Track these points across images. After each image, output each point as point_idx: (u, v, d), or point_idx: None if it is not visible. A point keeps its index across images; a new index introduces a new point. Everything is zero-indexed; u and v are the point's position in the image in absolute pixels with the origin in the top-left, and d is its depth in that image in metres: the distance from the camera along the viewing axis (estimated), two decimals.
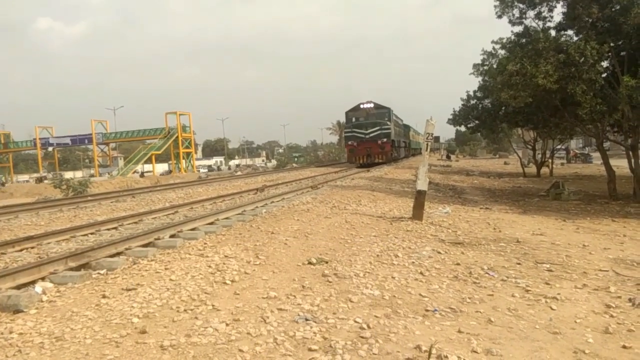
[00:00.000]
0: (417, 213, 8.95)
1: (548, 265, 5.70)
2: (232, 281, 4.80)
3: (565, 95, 11.86)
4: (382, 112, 31.83)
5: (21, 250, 6.73)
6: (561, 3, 12.81)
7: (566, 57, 11.21)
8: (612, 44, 11.63)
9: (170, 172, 56.45)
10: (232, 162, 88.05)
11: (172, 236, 7.02)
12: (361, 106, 32.20)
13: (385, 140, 30.43)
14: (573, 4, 11.82)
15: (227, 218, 8.66)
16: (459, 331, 3.68)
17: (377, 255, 6.03)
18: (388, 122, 31.19)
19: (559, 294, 4.60)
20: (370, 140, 30.46)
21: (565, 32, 12.99)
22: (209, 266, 5.28)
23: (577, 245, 6.90)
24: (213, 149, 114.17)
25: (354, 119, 32.60)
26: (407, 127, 47.18)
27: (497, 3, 13.59)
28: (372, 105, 31.98)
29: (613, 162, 14.16)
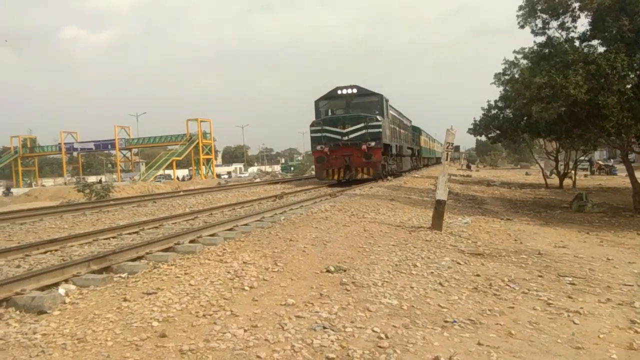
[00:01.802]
0: (437, 223, 8.88)
1: (571, 279, 5.60)
2: (251, 287, 4.83)
3: (592, 107, 11.69)
4: (370, 102, 20.95)
5: (45, 252, 6.86)
6: (585, 13, 12.67)
7: (596, 68, 11.06)
8: (639, 55, 11.45)
9: (190, 177, 57.09)
10: (252, 169, 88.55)
11: (191, 241, 7.07)
12: (339, 92, 21.04)
13: (373, 144, 19.56)
14: (601, 15, 11.67)
15: (246, 224, 8.70)
16: (479, 343, 3.63)
17: (396, 265, 6.00)
18: (379, 117, 20.24)
19: (581, 308, 4.51)
20: (350, 144, 19.70)
21: (589, 43, 12.82)
22: (228, 272, 5.31)
23: (600, 259, 6.76)
24: (233, 155, 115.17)
25: (327, 112, 21.73)
26: (416, 130, 37.65)
27: (520, 13, 13.50)
28: (354, 90, 20.88)
29: (638, 174, 13.86)
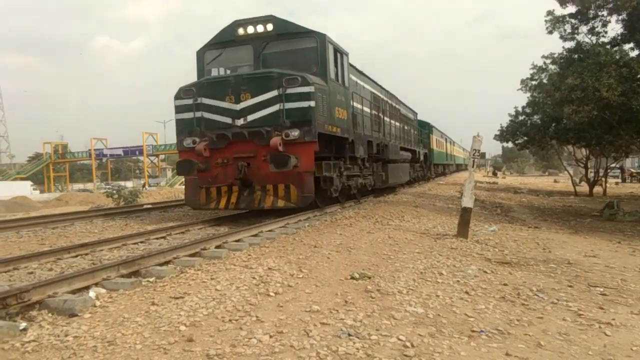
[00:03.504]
0: (462, 230, 8.78)
1: (602, 289, 5.46)
2: (276, 293, 4.86)
3: (624, 112, 11.42)
4: (299, 51, 11.09)
5: (76, 256, 7.03)
6: (616, 18, 12.41)
7: (628, 71, 10.82)
8: None
9: None
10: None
11: (217, 247, 7.16)
12: (239, 31, 11.21)
13: (296, 134, 9.87)
14: (634, 18, 11.42)
15: (270, 230, 8.76)
16: (507, 354, 3.57)
17: (421, 272, 5.95)
18: (311, 79, 10.09)
19: (613, 319, 4.39)
20: (249, 135, 10.18)
21: (621, 47, 12.55)
22: (253, 278, 5.36)
23: (633, 269, 6.57)
24: None
25: (212, 71, 11.87)
26: (424, 127, 28.63)
27: (548, 18, 13.32)
28: (269, 27, 10.98)
29: None
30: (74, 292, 4.84)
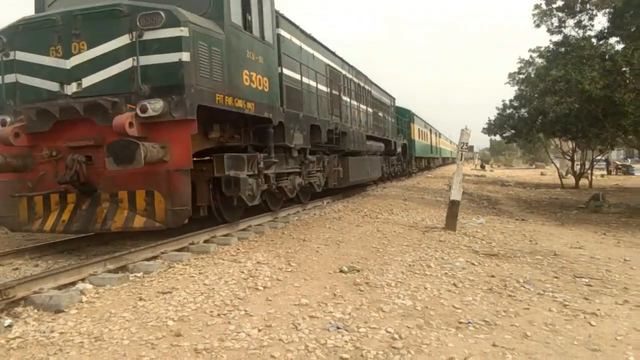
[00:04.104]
0: (450, 223, 8.83)
1: (587, 280, 5.53)
2: (265, 287, 4.85)
3: (608, 105, 11.54)
4: None
5: (62, 252, 6.96)
6: (603, 11, 12.52)
7: (612, 64, 10.93)
8: None
9: None
10: None
11: (205, 241, 7.12)
12: None
13: (164, 104, 5.99)
14: (620, 12, 11.52)
15: (259, 225, 8.74)
16: (494, 345, 3.61)
17: (409, 265, 5.98)
18: (213, 27, 6.71)
19: (598, 309, 4.45)
20: (86, 111, 6.18)
21: (607, 41, 12.67)
22: (242, 272, 5.34)
23: (617, 260, 6.67)
24: None
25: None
26: (405, 114, 25.57)
27: (536, 12, 13.39)
28: None
29: None
30: (60, 287, 4.80)
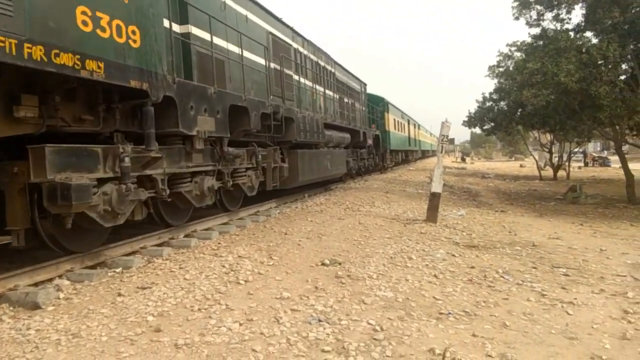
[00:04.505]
0: (432, 215, 8.90)
1: (564, 270, 5.63)
2: (246, 281, 4.82)
3: (585, 97, 11.72)
4: None
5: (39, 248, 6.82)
6: (580, 5, 12.68)
7: (587, 57, 11.10)
8: (632, 47, 11.47)
9: None
10: None
11: (186, 236, 7.06)
12: None
13: None
14: (593, 7, 11.68)
15: (240, 218, 8.69)
16: (474, 335, 3.65)
17: (391, 257, 6.01)
18: None
19: (575, 298, 4.54)
20: None
21: (584, 34, 12.84)
22: (223, 266, 5.31)
23: (594, 250, 6.80)
24: None
25: None
26: (378, 103, 23.53)
27: (515, 4, 13.50)
28: None
29: (632, 165, 13.94)
30: (36, 284, 4.70)
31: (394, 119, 26.83)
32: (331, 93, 14.59)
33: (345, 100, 16.53)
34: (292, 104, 10.94)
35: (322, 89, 13.66)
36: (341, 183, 16.77)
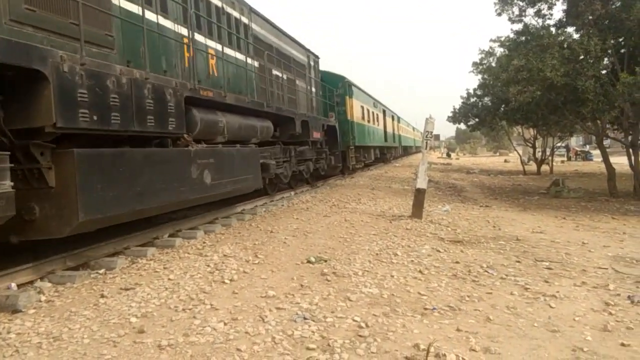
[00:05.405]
0: (417, 211, 8.94)
1: (547, 263, 5.70)
2: (231, 280, 4.80)
3: (569, 92, 11.86)
4: None
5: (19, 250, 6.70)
6: (561, 0, 12.82)
7: (570, 52, 11.23)
8: (612, 41, 11.63)
9: None
10: None
11: (171, 235, 7.00)
12: None
13: None
14: (575, 1, 11.81)
15: (226, 217, 8.65)
16: (458, 329, 3.67)
17: (377, 254, 6.02)
18: None
19: (558, 292, 4.59)
20: None
21: (565, 30, 12.99)
22: (208, 265, 5.28)
23: (576, 243, 6.89)
24: None
25: None
26: (336, 83, 17.59)
27: (497, 0, 13.60)
28: None
29: (613, 159, 14.15)
30: (18, 287, 4.62)
31: (362, 107, 20.63)
32: (242, 56, 9.64)
33: (275, 72, 11.63)
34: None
35: (214, 44, 8.49)
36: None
